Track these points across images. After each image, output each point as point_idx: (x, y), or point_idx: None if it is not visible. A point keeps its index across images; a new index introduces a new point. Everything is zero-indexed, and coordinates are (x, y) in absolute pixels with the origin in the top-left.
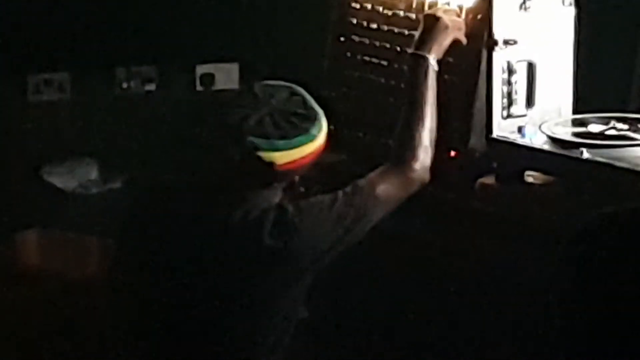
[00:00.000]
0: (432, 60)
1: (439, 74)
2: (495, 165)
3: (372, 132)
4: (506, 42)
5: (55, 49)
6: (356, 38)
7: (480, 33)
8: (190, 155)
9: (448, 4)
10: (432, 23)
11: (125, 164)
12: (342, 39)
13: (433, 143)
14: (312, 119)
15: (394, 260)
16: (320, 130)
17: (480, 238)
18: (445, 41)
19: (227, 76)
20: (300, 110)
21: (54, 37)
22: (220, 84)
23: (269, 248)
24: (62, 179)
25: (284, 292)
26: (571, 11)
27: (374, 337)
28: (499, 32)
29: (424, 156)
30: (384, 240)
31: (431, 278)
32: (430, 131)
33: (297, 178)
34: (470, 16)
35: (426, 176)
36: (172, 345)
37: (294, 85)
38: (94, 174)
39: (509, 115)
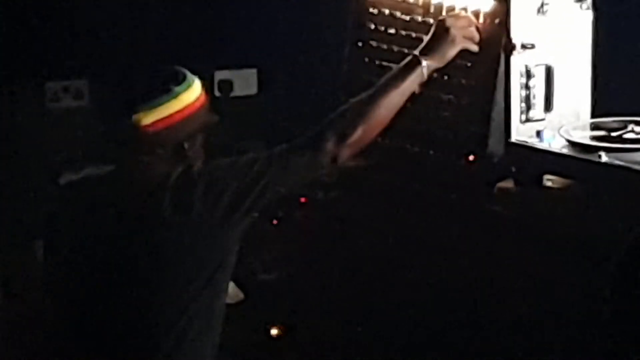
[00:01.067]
0: (425, 68)
1: (442, 83)
2: (513, 169)
3: (389, 137)
4: (524, 46)
5: (73, 57)
6: (374, 43)
7: (498, 37)
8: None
9: (465, 9)
10: (441, 32)
11: None
12: (360, 44)
13: (369, 136)
14: (179, 81)
15: (411, 264)
16: (186, 89)
17: (499, 241)
18: (449, 53)
19: (245, 82)
20: (166, 77)
21: (71, 45)
22: (238, 90)
23: (177, 207)
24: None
25: (197, 261)
26: (589, 15)
27: (391, 338)
28: (517, 36)
29: (355, 141)
30: (402, 243)
31: (449, 281)
32: (375, 124)
33: (186, 145)
34: (488, 20)
35: (344, 157)
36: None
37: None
38: None
39: (527, 120)
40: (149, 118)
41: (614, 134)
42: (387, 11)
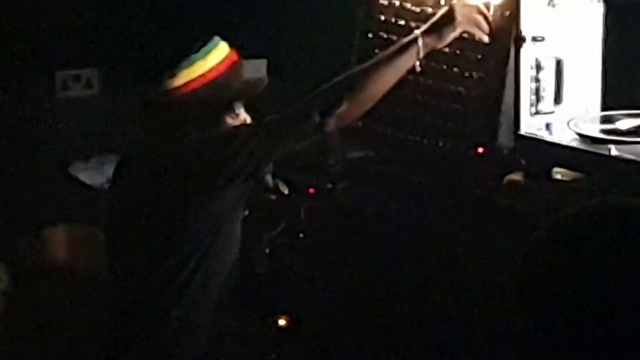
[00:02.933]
0: (420, 47)
1: (461, 70)
2: (523, 162)
3: (399, 128)
4: (534, 39)
5: (83, 46)
6: (384, 35)
7: (508, 30)
8: None
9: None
10: (446, 15)
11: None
12: (369, 35)
13: (359, 110)
14: (205, 42)
15: (419, 257)
16: (214, 47)
17: (507, 235)
18: (449, 34)
19: (255, 73)
20: (191, 40)
21: (82, 33)
22: None
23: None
24: (90, 174)
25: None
26: (599, 7)
27: (395, 332)
28: (527, 28)
29: (343, 113)
30: (411, 235)
31: (457, 275)
32: (365, 98)
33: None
34: (498, 13)
35: (331, 128)
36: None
37: None
38: None
39: (536, 112)
40: (180, 79)
41: (623, 127)
42: (397, 3)
